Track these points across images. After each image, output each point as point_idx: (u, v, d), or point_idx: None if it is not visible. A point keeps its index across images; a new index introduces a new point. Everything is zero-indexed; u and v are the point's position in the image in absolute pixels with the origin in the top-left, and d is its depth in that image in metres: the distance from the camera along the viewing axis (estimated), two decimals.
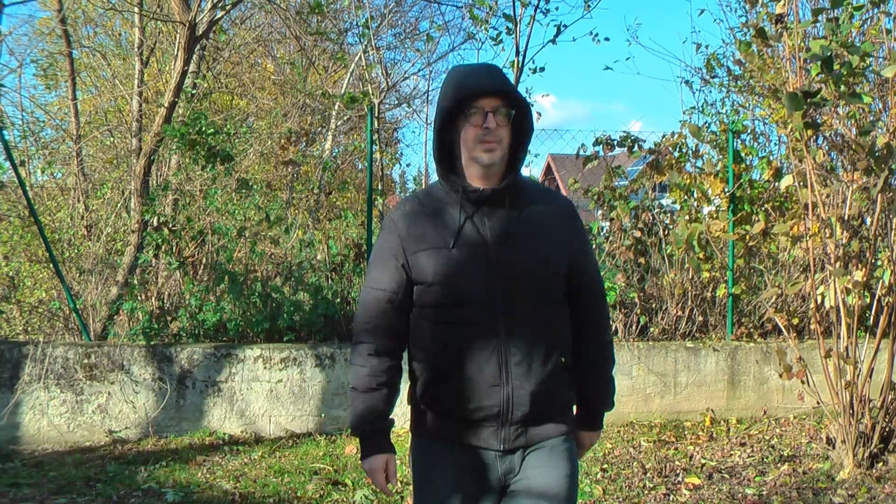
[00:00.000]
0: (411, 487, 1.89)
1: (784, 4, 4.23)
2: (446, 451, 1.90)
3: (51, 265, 5.83)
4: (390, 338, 1.93)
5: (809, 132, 4.21)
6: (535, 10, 6.95)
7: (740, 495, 4.20)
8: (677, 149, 6.67)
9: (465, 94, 1.83)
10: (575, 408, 2.06)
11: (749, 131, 6.82)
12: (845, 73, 3.88)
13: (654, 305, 6.37)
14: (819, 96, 3.83)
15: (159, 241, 5.92)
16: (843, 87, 3.94)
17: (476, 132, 1.85)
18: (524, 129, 1.92)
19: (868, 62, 4.15)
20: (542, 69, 7.26)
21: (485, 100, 1.84)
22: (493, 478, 1.89)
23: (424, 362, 1.91)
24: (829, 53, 3.79)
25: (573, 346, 1.97)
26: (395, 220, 1.95)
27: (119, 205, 6.74)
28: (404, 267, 1.89)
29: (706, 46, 10.48)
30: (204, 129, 5.91)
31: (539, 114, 8.58)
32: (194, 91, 8.37)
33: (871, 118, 4.61)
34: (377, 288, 1.92)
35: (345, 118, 10.88)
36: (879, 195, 4.28)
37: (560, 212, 1.98)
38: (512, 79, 7.02)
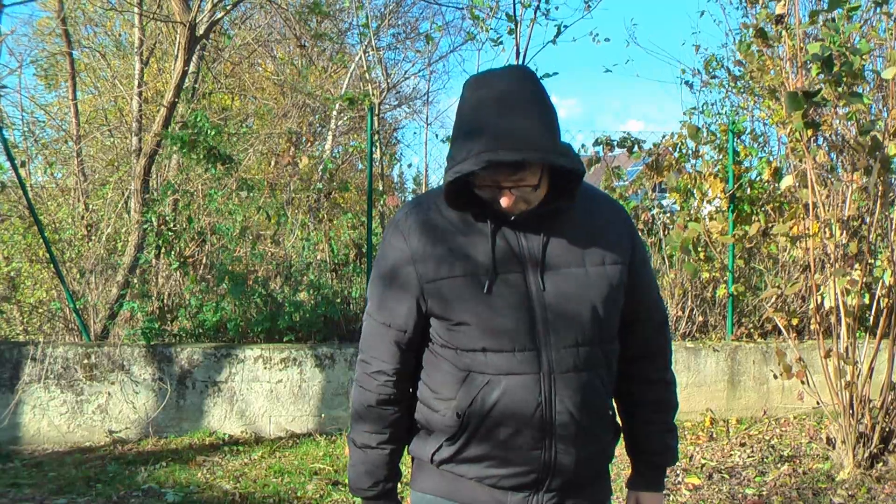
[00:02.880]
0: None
1: (784, 5, 4.23)
2: None
3: (51, 265, 5.83)
4: (397, 384, 1.53)
5: (809, 132, 4.21)
6: (536, 11, 6.95)
7: (740, 495, 4.20)
8: (677, 149, 6.68)
9: (476, 164, 1.34)
10: (630, 464, 1.70)
11: (749, 132, 6.83)
12: (845, 73, 3.88)
13: None
14: (819, 96, 3.84)
15: (160, 241, 5.92)
16: (842, 88, 3.94)
17: (489, 196, 1.44)
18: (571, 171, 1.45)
19: (867, 62, 4.16)
20: (556, 73, 7.26)
21: (501, 173, 1.38)
22: None
23: (442, 414, 1.50)
24: (828, 54, 3.79)
25: (630, 386, 1.63)
26: (405, 232, 1.50)
27: (119, 205, 6.75)
28: (418, 300, 1.49)
29: (706, 49, 10.51)
30: (205, 129, 5.91)
31: None
32: (195, 88, 8.37)
33: (871, 118, 4.61)
34: (382, 322, 1.53)
35: (345, 118, 10.89)
36: (878, 195, 4.28)
37: (616, 220, 1.56)
38: None
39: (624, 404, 1.66)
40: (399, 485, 1.62)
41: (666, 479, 1.69)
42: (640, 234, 1.64)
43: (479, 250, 1.46)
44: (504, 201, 1.40)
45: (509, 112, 1.36)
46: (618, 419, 1.65)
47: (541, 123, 1.38)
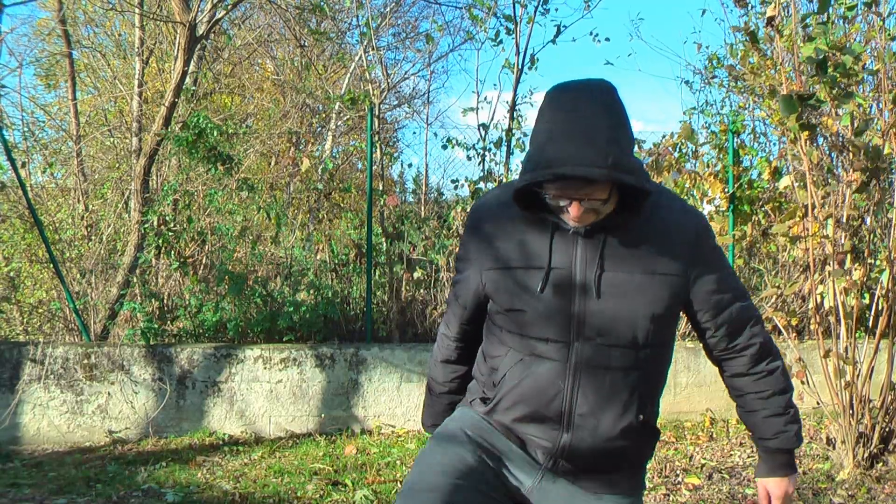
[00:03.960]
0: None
1: (775, 7, 4.23)
2: (480, 423, 1.69)
3: (51, 265, 5.83)
4: (457, 349, 1.81)
5: (806, 133, 4.22)
6: (535, 11, 6.95)
7: (740, 495, 4.21)
8: (677, 149, 6.68)
9: (542, 175, 1.42)
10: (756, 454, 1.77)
11: (750, 131, 6.84)
12: (839, 75, 3.88)
13: None
14: (814, 99, 3.84)
15: (160, 241, 5.93)
16: (836, 90, 3.94)
17: (556, 205, 1.52)
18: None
19: (867, 61, 4.15)
20: (536, 59, 7.24)
21: (570, 187, 1.45)
22: (522, 476, 1.66)
23: (486, 377, 1.71)
24: (822, 56, 3.79)
25: (730, 382, 1.71)
26: (477, 222, 1.70)
27: (119, 205, 6.75)
28: (478, 283, 1.68)
29: (707, 47, 10.52)
30: (208, 128, 5.90)
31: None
32: (195, 88, 8.37)
33: (866, 118, 4.60)
34: (454, 294, 1.78)
35: (345, 118, 10.89)
36: (877, 195, 4.29)
37: (678, 230, 1.60)
38: (512, 81, 7.03)
39: (734, 399, 1.74)
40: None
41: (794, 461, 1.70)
42: (712, 242, 1.65)
43: (535, 247, 1.58)
44: (573, 210, 1.47)
45: (580, 127, 1.41)
46: (657, 424, 1.69)
47: (610, 140, 1.41)
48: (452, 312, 1.79)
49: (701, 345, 1.72)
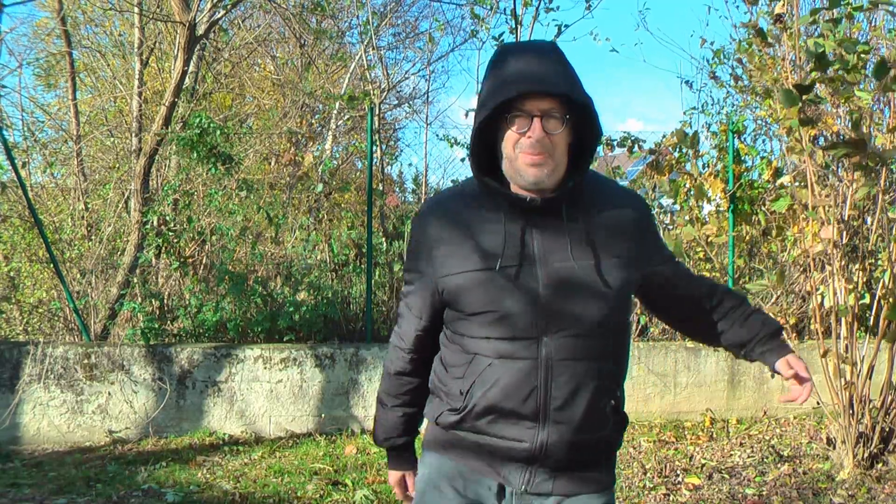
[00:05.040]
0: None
1: (783, 4, 4.22)
2: (455, 471, 1.66)
3: (51, 265, 5.83)
4: (412, 361, 1.74)
5: (811, 132, 4.20)
6: (537, 10, 6.95)
7: (740, 495, 4.20)
8: (677, 149, 6.67)
9: (506, 94, 1.47)
10: (761, 360, 1.75)
11: (752, 130, 6.83)
12: (837, 67, 3.85)
13: None
14: (813, 93, 3.80)
15: (160, 241, 5.92)
16: (835, 84, 3.91)
17: (517, 140, 1.51)
18: (590, 131, 1.56)
19: (869, 59, 4.13)
20: None
21: (533, 101, 1.49)
22: None
23: (449, 388, 1.64)
24: (821, 50, 3.75)
25: (702, 323, 1.76)
26: (425, 226, 1.65)
27: (119, 205, 6.75)
28: (433, 291, 1.64)
29: (711, 43, 10.52)
30: (211, 128, 5.90)
31: None
32: (195, 88, 8.37)
33: (861, 112, 4.58)
34: (406, 305, 1.72)
35: (345, 118, 10.88)
36: (880, 195, 4.28)
37: (628, 216, 1.64)
38: None
39: (715, 337, 1.77)
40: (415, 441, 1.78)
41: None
42: (652, 217, 1.71)
43: (490, 245, 1.56)
44: (534, 131, 1.48)
45: (534, 64, 1.50)
46: (625, 409, 1.70)
47: (564, 71, 1.52)
48: (407, 323, 1.72)
49: (659, 330, 1.75)
